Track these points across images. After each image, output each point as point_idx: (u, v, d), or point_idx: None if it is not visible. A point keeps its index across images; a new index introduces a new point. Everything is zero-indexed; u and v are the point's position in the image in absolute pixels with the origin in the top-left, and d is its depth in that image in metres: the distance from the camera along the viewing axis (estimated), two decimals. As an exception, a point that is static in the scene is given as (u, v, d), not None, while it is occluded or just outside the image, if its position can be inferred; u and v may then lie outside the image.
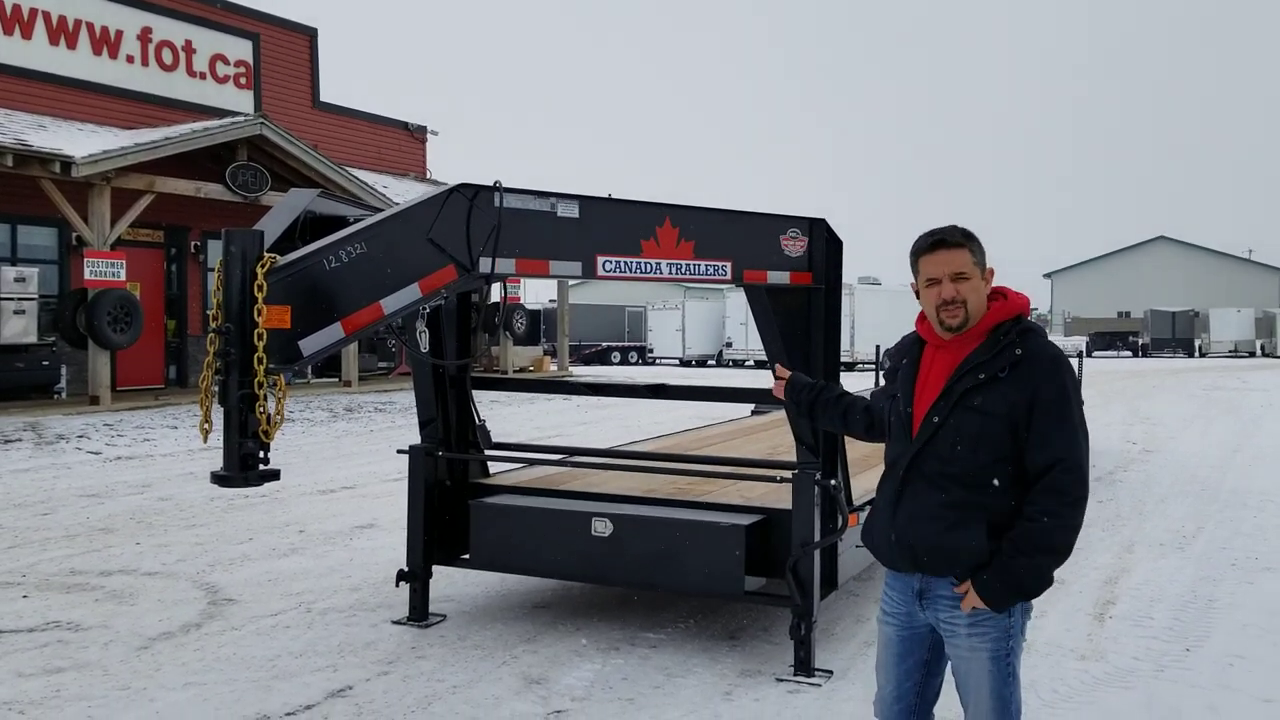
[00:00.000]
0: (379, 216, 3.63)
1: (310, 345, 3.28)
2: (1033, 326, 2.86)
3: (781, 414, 5.50)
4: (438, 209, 3.64)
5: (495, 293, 25.00)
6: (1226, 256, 69.95)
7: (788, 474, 4.92)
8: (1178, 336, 51.84)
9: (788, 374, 3.56)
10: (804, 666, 4.71)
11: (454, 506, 5.57)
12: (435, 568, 5.58)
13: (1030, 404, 2.73)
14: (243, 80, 21.27)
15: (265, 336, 3.14)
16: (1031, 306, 3.02)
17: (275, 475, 3.25)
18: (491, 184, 3.82)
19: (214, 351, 3.17)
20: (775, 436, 8.09)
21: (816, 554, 4.81)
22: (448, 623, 5.48)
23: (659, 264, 4.43)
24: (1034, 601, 2.87)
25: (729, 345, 41.43)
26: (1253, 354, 49.77)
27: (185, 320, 19.59)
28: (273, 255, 3.21)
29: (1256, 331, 51.10)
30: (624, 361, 44.57)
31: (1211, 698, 4.48)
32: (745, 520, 4.96)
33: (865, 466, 6.82)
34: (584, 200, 4.14)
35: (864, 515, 5.30)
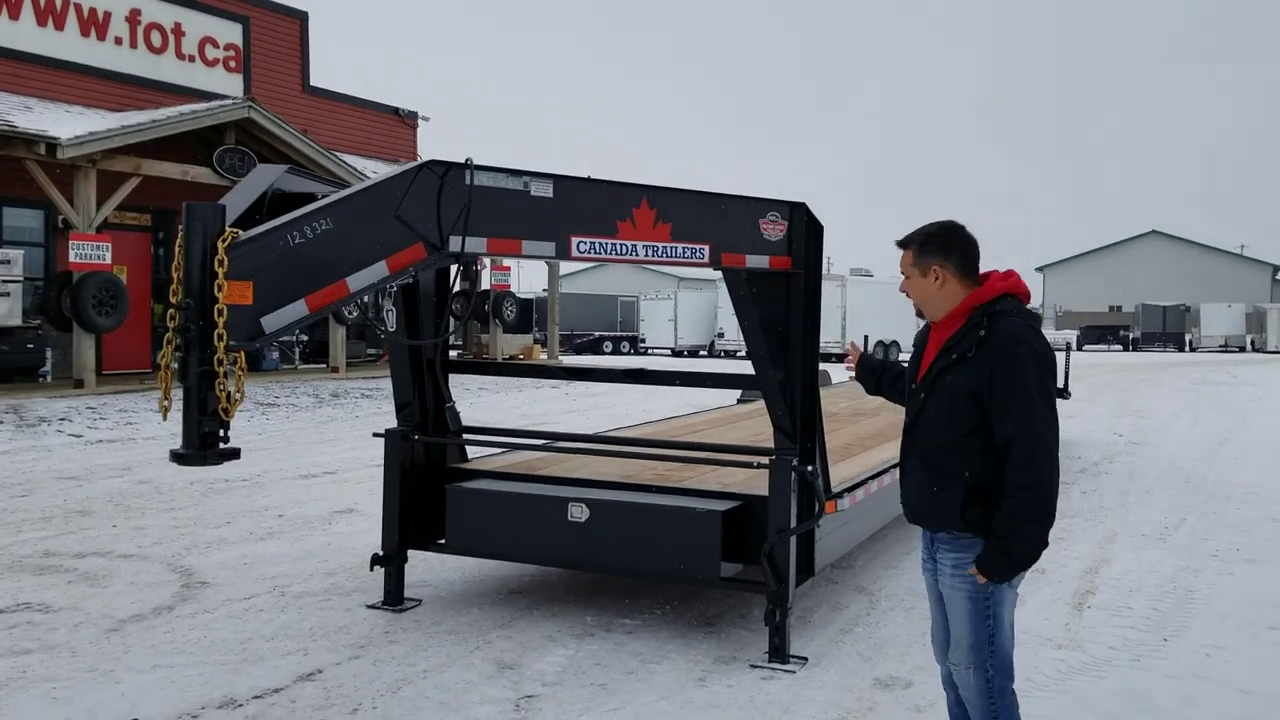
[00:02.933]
0: (346, 192, 3.57)
1: (273, 322, 3.22)
2: (1004, 309, 3.08)
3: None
4: (406, 185, 3.58)
5: (485, 280, 24.95)
6: (1218, 251, 70.03)
7: (765, 460, 4.87)
8: (1168, 331, 51.89)
9: (859, 352, 3.88)
10: (778, 653, 4.68)
11: (431, 491, 5.52)
12: (414, 553, 5.54)
13: (991, 380, 3.00)
14: (232, 64, 21.11)
15: (226, 313, 3.08)
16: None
17: (235, 454, 3.20)
18: (463, 161, 3.76)
19: (174, 328, 3.12)
20: (759, 424, 8.05)
21: (793, 541, 4.77)
22: (423, 607, 5.44)
23: (635, 246, 4.36)
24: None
25: (720, 336, 41.39)
26: (1243, 349, 49.85)
27: (172, 304, 19.45)
28: (235, 230, 3.15)
29: (1247, 326, 51.15)
30: (616, 351, 44.52)
31: (1188, 688, 4.46)
32: (722, 506, 4.93)
33: (846, 454, 6.80)
34: (558, 179, 4.07)
35: (841, 502, 5.29)
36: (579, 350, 42.31)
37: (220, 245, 3.09)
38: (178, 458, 3.16)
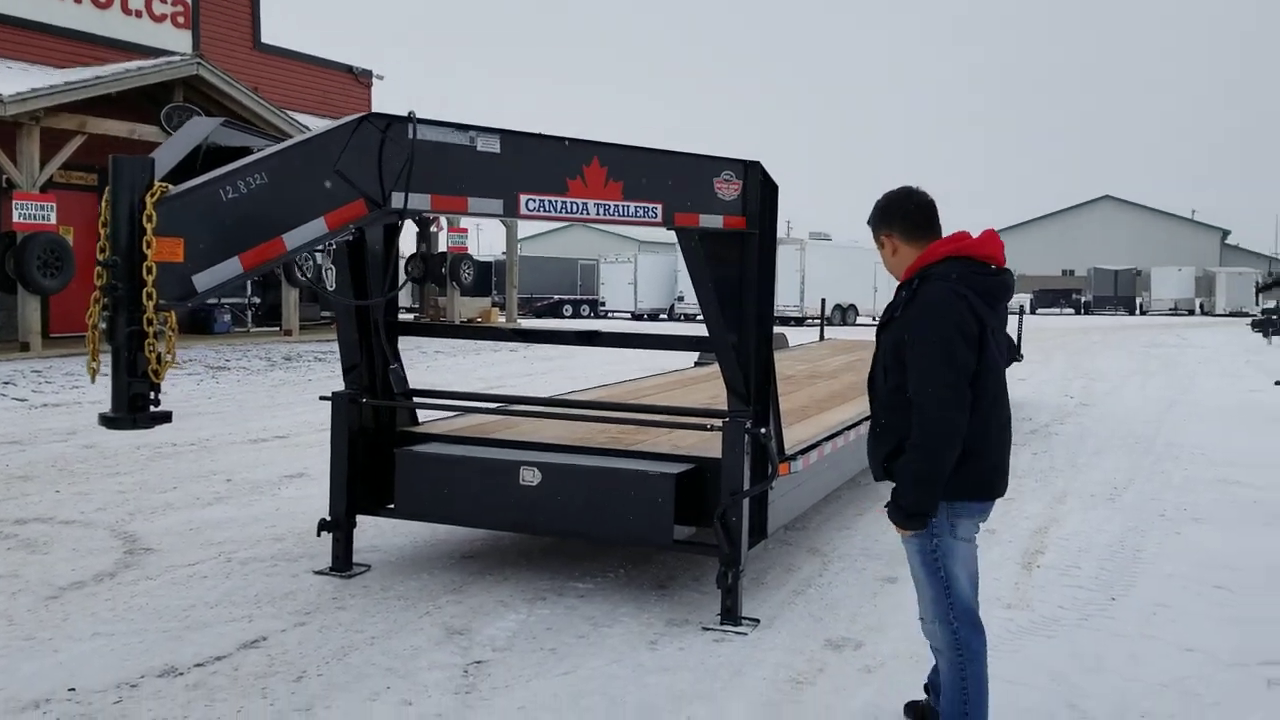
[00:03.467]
0: (282, 145, 3.44)
1: (205, 280, 3.10)
2: (936, 273, 3.17)
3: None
4: (346, 139, 3.46)
5: (442, 242, 24.66)
6: (1170, 216, 70.96)
7: (718, 423, 4.83)
8: (1120, 294, 52.63)
9: None
10: (731, 615, 4.66)
11: (380, 455, 5.43)
12: (363, 517, 5.46)
13: (903, 342, 3.15)
14: (180, 20, 20.62)
15: (155, 270, 2.96)
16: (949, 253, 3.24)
17: (166, 417, 3.10)
18: (406, 114, 3.64)
19: (100, 286, 2.99)
20: (715, 387, 8.01)
21: (746, 503, 4.74)
22: (371, 573, 5.36)
23: (586, 204, 4.27)
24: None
25: (681, 299, 41.32)
26: (1192, 312, 50.72)
27: (120, 266, 19.04)
28: (164, 185, 3.03)
29: (1196, 290, 52.01)
30: (576, 314, 44.37)
31: (1133, 646, 4.50)
32: (675, 469, 4.88)
33: (802, 416, 6.78)
34: (505, 135, 3.96)
35: (795, 464, 5.26)
36: (539, 314, 42.11)
37: (149, 200, 2.96)
38: (107, 421, 3.05)
